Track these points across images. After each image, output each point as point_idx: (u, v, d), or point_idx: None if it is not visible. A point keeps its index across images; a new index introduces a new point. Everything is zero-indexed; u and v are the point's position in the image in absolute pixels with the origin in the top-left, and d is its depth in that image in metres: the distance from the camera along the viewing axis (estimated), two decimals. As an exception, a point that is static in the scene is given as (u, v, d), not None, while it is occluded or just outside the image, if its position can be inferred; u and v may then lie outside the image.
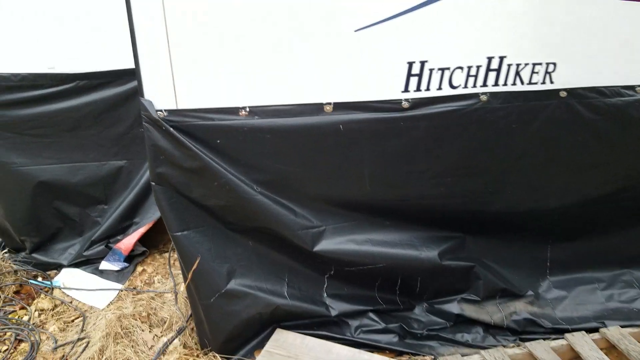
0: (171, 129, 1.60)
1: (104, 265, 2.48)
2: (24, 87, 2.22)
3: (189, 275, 1.75)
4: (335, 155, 1.76)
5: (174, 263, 2.53)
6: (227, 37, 1.56)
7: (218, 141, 1.66)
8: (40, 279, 2.62)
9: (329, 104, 1.68)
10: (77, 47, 2.25)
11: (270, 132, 1.68)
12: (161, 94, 1.59)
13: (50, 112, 2.31)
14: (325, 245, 1.85)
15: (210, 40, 1.56)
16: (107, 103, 2.34)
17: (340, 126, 1.70)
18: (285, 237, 1.81)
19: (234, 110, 1.65)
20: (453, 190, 1.89)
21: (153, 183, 1.69)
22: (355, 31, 1.62)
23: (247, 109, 1.65)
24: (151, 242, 2.66)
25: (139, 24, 1.51)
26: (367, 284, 1.98)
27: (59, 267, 2.59)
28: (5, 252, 2.76)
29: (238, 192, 1.70)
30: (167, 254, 2.61)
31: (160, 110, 1.60)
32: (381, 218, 1.92)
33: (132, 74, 2.18)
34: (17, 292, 2.58)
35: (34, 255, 2.57)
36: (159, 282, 2.43)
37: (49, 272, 2.62)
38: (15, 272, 2.67)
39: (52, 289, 2.51)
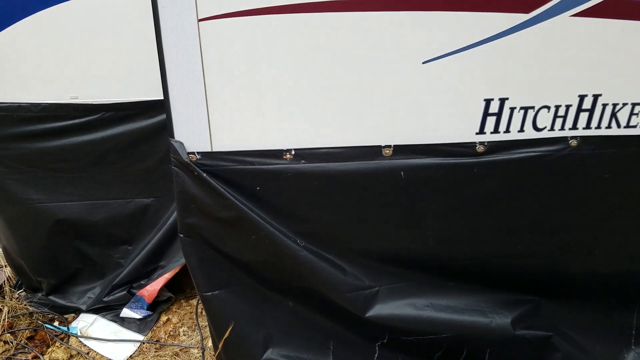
0: (204, 174, 1.37)
1: (126, 312, 2.26)
2: (44, 118, 2.05)
3: (220, 345, 1.50)
4: (393, 206, 1.49)
5: (201, 312, 2.28)
6: (270, 71, 1.33)
7: (258, 188, 1.42)
8: (57, 323, 2.41)
9: (389, 146, 1.42)
10: (103, 76, 2.08)
11: (318, 179, 1.43)
12: (194, 135, 1.36)
13: (72, 145, 2.13)
14: (379, 310, 1.56)
15: (252, 75, 1.33)
16: (133, 136, 2.15)
17: (402, 173, 1.44)
18: (332, 299, 1.54)
19: (277, 154, 1.41)
20: (532, 249, 1.59)
21: (181, 235, 1.45)
22: (424, 63, 1.37)
23: (293, 152, 1.41)
24: (177, 286, 2.43)
25: (170, 57, 1.29)
26: (425, 355, 1.68)
27: (77, 311, 2.38)
28: (22, 291, 2.58)
29: (279, 247, 1.45)
30: (194, 301, 2.37)
31: (192, 153, 1.37)
32: (444, 279, 1.63)
33: (162, 106, 2.01)
34: (30, 338, 2.38)
35: (51, 297, 2.38)
36: (184, 335, 2.19)
37: (66, 316, 2.41)
38: (31, 314, 2.48)
39: (69, 336, 2.29)
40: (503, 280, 1.66)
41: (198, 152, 1.37)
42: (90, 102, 2.10)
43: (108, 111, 2.11)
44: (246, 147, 1.39)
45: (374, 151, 1.43)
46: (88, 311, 2.33)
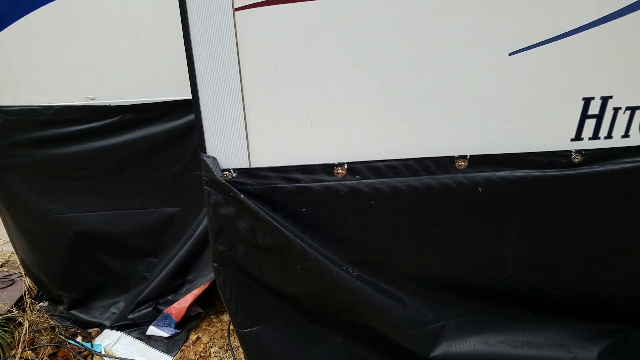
0: (241, 195, 1.14)
1: (152, 330, 2.08)
2: (58, 121, 1.84)
3: (260, 390, 1.30)
4: (467, 228, 1.24)
5: (233, 331, 2.09)
6: (319, 69, 1.09)
7: (304, 210, 1.19)
8: (79, 338, 2.26)
9: (464, 157, 1.17)
10: (121, 74, 1.86)
11: (375, 197, 1.19)
12: (229, 149, 1.13)
13: (90, 150, 1.92)
14: (446, 348, 1.33)
15: (297, 75, 1.10)
16: (157, 140, 1.93)
17: (479, 189, 1.19)
18: (390, 336, 1.32)
19: (326, 169, 1.17)
20: (632, 275, 1.33)
21: (215, 264, 1.23)
22: (510, 54, 1.10)
23: (345, 166, 1.17)
24: (206, 299, 2.24)
25: (201, 55, 1.06)
26: (499, 397, 1.45)
27: (100, 325, 2.23)
28: (44, 303, 2.44)
29: (329, 277, 1.22)
30: (225, 317, 2.18)
31: (228, 170, 1.15)
32: (521, 309, 1.38)
33: (188, 106, 1.78)
34: (52, 355, 2.23)
35: (73, 312, 2.22)
36: (215, 356, 2.00)
37: (90, 330, 2.26)
38: (53, 328, 2.33)
39: (92, 355, 2.13)
40: (590, 309, 1.41)
41: (234, 169, 1.14)
42: (108, 104, 1.90)
43: (128, 113, 1.90)
44: (290, 162, 1.16)
45: (446, 163, 1.17)
46: (112, 327, 2.17)
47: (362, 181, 1.18)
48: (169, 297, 2.10)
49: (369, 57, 1.09)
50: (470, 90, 1.13)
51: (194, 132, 1.15)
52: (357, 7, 1.06)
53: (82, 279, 2.15)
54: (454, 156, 1.17)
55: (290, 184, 1.17)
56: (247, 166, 1.15)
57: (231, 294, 1.26)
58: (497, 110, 1.16)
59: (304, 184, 1.17)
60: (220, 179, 1.12)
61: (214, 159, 1.13)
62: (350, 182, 1.18)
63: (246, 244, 1.19)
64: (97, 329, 2.27)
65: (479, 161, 1.18)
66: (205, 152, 1.13)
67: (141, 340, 2.11)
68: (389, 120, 1.15)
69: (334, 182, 1.18)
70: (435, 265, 1.29)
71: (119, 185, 2.00)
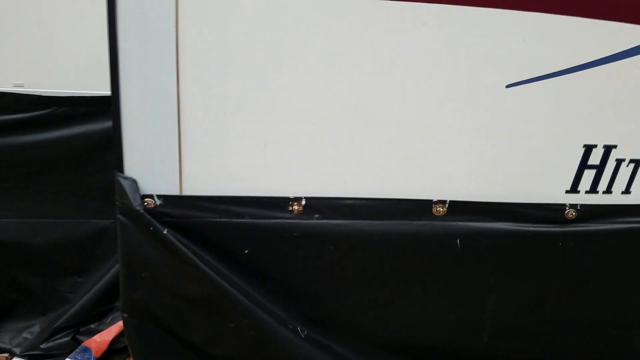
0: (164, 229, 0.90)
1: (68, 364, 1.79)
2: (-26, 108, 1.56)
3: None
4: (440, 285, 1.04)
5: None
6: (280, 75, 0.88)
7: (246, 252, 0.97)
8: (-17, 365, 1.93)
9: (443, 202, 0.97)
10: (57, 60, 1.60)
11: (336, 242, 0.97)
12: (154, 170, 0.89)
13: (13, 146, 1.63)
14: None
15: (252, 80, 0.88)
16: (93, 140, 1.65)
17: (458, 240, 0.99)
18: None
19: (279, 203, 0.94)
20: (628, 347, 1.16)
21: (125, 315, 0.98)
22: (508, 87, 0.92)
23: (303, 202, 0.95)
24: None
25: (127, 42, 0.83)
26: None
27: (9, 352, 1.91)
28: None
29: (272, 339, 0.98)
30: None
31: (150, 197, 0.90)
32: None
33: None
34: (-54, 384, 1.90)
35: (-23, 334, 1.90)
36: (139, 398, 1.72)
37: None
38: (-49, 350, 1.99)
39: (-6, 387, 1.81)
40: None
41: (159, 196, 0.90)
42: (38, 93, 1.62)
43: (62, 106, 1.62)
44: (234, 192, 0.93)
45: (422, 208, 0.97)
46: (22, 356, 1.85)
47: (322, 221, 0.96)
48: (92, 326, 1.79)
49: (345, 69, 0.89)
50: (457, 125, 0.94)
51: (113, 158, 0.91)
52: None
53: (-11, 295, 1.84)
54: (432, 200, 0.97)
55: (231, 219, 0.93)
56: (177, 193, 0.91)
57: (143, 353, 1.00)
58: (485, 151, 0.97)
59: (249, 220, 0.94)
60: (138, 207, 0.88)
61: (133, 181, 0.89)
62: (307, 221, 0.95)
63: (167, 293, 0.94)
64: (5, 355, 1.95)
65: (459, 208, 0.98)
66: (122, 170, 0.89)
67: (55, 374, 1.80)
68: (359, 150, 0.94)
69: (288, 221, 0.95)
70: (400, 327, 1.07)
71: (42, 189, 1.71)
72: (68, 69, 1.60)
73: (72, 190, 1.73)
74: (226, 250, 0.94)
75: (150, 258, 0.92)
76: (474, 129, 0.94)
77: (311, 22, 0.86)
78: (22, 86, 1.63)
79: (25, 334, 1.89)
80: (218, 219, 0.93)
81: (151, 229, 0.89)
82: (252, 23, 0.84)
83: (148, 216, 0.88)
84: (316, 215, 0.95)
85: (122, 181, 0.88)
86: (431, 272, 1.02)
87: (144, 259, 0.92)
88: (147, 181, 0.90)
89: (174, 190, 0.91)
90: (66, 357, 1.80)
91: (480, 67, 0.90)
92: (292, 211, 0.94)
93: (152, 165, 0.89)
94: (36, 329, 1.89)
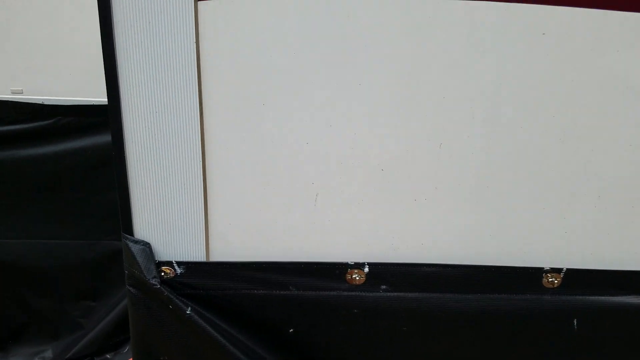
0: (189, 309, 0.69)
1: (81, 397, 1.63)
2: (-32, 120, 1.37)
3: None
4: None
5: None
6: (344, 95, 0.65)
7: (291, 331, 0.75)
8: (-6, 388, 1.79)
9: (558, 271, 0.72)
10: (62, 63, 1.38)
11: (411, 321, 0.72)
12: (174, 230, 0.68)
13: (14, 160, 1.45)
14: None
15: (304, 112, 0.65)
16: (102, 153, 1.46)
17: (575, 321, 0.75)
18: None
19: (334, 271, 0.70)
20: None
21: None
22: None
23: (366, 269, 0.70)
24: None
25: (129, 61, 0.61)
26: None
27: (21, 378, 1.77)
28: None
29: None
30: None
31: (169, 265, 0.70)
32: None
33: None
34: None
35: (-12, 356, 1.76)
36: None
37: (10, 380, 1.79)
38: (-38, 372, 1.86)
39: (5, 417, 1.67)
40: None
41: (180, 263, 0.69)
42: (41, 101, 1.42)
43: (67, 115, 1.43)
44: (276, 257, 0.71)
45: (529, 278, 0.72)
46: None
47: (391, 294, 0.73)
48: (107, 356, 1.63)
49: (416, 96, 0.65)
50: (583, 166, 0.69)
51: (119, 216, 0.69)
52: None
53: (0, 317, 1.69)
54: (543, 268, 0.74)
55: (272, 291, 0.71)
56: (203, 259, 0.70)
57: None
58: (623, 200, 0.72)
59: (295, 292, 0.72)
60: (154, 281, 0.67)
61: (146, 245, 0.68)
62: (371, 294, 0.73)
63: None
64: (18, 379, 1.81)
65: (578, 278, 0.74)
66: (131, 233, 0.68)
67: (69, 406, 1.65)
68: (443, 202, 0.70)
69: (345, 293, 0.73)
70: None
71: (50, 207, 1.53)
72: (73, 74, 1.39)
73: (81, 208, 1.54)
74: (266, 329, 0.73)
75: (171, 341, 0.71)
76: (609, 171, 0.69)
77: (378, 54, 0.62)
78: (20, 92, 1.43)
79: (38, 359, 1.75)
80: (256, 291, 0.71)
81: (171, 307, 0.68)
82: (299, 52, 0.61)
83: (166, 292, 0.67)
84: (383, 287, 0.73)
85: (132, 246, 0.67)
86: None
87: (163, 341, 0.71)
88: (164, 244, 0.68)
89: (199, 256, 0.69)
90: (81, 390, 1.65)
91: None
92: (351, 281, 0.72)
93: (170, 225, 0.67)
94: (49, 354, 1.74)
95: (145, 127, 0.64)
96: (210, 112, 0.63)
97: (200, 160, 0.65)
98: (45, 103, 1.41)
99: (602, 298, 0.74)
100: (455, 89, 0.65)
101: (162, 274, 0.67)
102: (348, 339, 0.74)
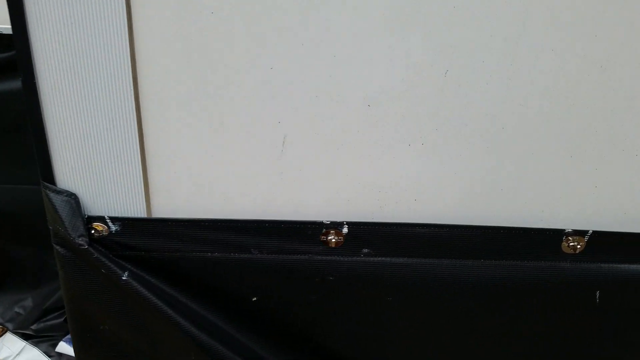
0: (125, 274, 0.57)
1: (62, 347, 1.58)
2: None
3: None
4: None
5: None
6: None
7: (254, 300, 0.63)
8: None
9: (582, 234, 0.59)
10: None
11: (397, 291, 0.61)
12: (105, 178, 0.56)
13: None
14: None
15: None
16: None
17: (597, 293, 0.63)
18: None
19: (306, 231, 0.57)
20: None
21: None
22: None
23: (344, 230, 0.59)
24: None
25: None
26: None
27: (3, 326, 1.72)
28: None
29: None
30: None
31: (101, 220, 0.57)
32: None
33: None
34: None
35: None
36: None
37: (-7, 325, 1.75)
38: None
39: (-12, 363, 1.64)
40: None
41: (114, 219, 0.57)
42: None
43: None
44: (235, 214, 0.58)
45: (545, 241, 0.59)
46: (15, 333, 1.66)
47: (374, 259, 0.61)
48: (88, 306, 1.58)
49: (416, 5, 0.49)
50: (628, 102, 0.54)
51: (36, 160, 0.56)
52: None
53: (-24, 266, 1.61)
54: (563, 230, 0.60)
55: (231, 254, 0.59)
56: (144, 214, 0.57)
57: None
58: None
59: (258, 256, 0.60)
60: (80, 241, 0.55)
61: (71, 197, 0.55)
62: (350, 258, 0.61)
63: (139, 355, 0.64)
64: (1, 327, 1.77)
65: (606, 243, 0.61)
66: (52, 181, 0.55)
67: (50, 357, 1.61)
68: (442, 147, 0.56)
69: (319, 257, 0.61)
70: None
71: (19, 149, 1.40)
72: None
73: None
74: (223, 297, 0.62)
75: (109, 309, 0.60)
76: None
77: None
78: None
79: (17, 309, 1.68)
80: (210, 254, 0.59)
81: (103, 271, 0.56)
82: None
83: (96, 253, 0.55)
84: (365, 251, 0.60)
85: (53, 198, 0.54)
86: (554, 338, 0.67)
87: (100, 309, 0.61)
88: (94, 195, 0.55)
89: (138, 211, 0.57)
90: (61, 339, 1.60)
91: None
92: (326, 243, 0.59)
93: (101, 170, 0.54)
94: (28, 303, 1.68)
95: (58, 41, 0.49)
96: (142, 20, 0.48)
97: (132, 88, 0.50)
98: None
99: (633, 267, 0.61)
100: (466, -2, 0.49)
101: (93, 231, 0.55)
102: (321, 310, 0.63)
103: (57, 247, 0.57)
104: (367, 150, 0.55)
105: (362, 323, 0.63)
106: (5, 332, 1.73)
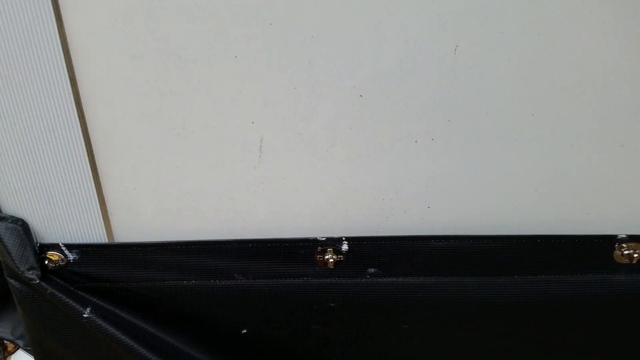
0: (87, 311, 0.48)
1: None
2: None
3: None
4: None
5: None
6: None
7: (244, 332, 0.54)
8: None
9: (637, 240, 0.49)
10: None
11: (412, 317, 0.52)
12: (55, 202, 0.48)
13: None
14: None
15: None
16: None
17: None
18: None
19: (298, 250, 0.48)
20: None
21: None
22: None
23: (344, 247, 0.49)
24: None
25: None
26: None
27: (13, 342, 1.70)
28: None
29: None
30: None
31: (57, 250, 0.49)
32: None
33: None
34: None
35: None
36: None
37: (7, 343, 1.73)
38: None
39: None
40: None
41: (70, 247, 0.49)
42: None
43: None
44: (214, 234, 0.50)
45: (594, 250, 0.48)
46: (27, 350, 1.63)
47: (383, 280, 0.51)
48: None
49: None
50: None
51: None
52: None
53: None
54: (616, 237, 0.49)
55: (211, 281, 0.51)
56: (104, 240, 0.49)
57: None
58: None
59: (245, 282, 0.51)
60: (30, 275, 0.47)
61: (18, 223, 0.47)
62: (354, 280, 0.51)
63: None
64: (13, 345, 1.74)
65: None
66: (-7, 207, 0.47)
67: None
68: (457, 143, 0.46)
69: (317, 280, 0.51)
70: None
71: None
72: None
73: None
74: (208, 331, 0.53)
75: (72, 345, 0.52)
76: None
77: None
78: None
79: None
80: (186, 282, 0.50)
81: (61, 308, 0.48)
82: None
83: (51, 288, 0.47)
84: (371, 271, 0.50)
85: (-3, 225, 0.47)
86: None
87: (65, 348, 0.53)
88: (46, 220, 0.47)
89: (97, 235, 0.48)
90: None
91: None
92: (322, 263, 0.50)
93: (50, 191, 0.46)
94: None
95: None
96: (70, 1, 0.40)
97: (70, 90, 0.42)
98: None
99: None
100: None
101: (47, 261, 0.47)
102: (323, 342, 0.53)
103: (11, 281, 0.49)
104: (364, 149, 0.45)
105: (374, 357, 0.53)
106: (17, 349, 1.70)
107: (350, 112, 0.43)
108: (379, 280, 0.50)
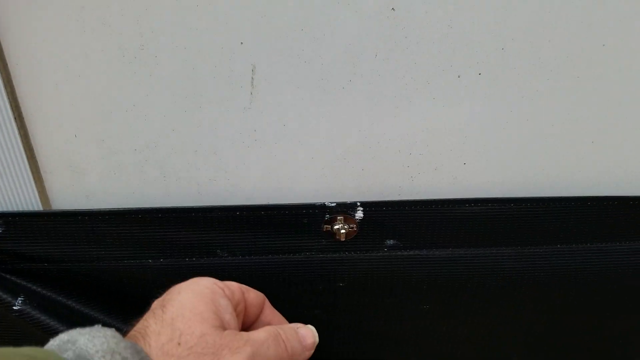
0: (18, 302, 0.36)
1: None
2: None
3: None
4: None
5: None
6: None
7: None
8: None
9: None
10: None
11: (437, 297, 0.43)
12: None
13: None
14: None
15: None
16: None
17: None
18: None
19: (301, 217, 0.38)
20: None
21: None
22: None
23: (358, 214, 0.39)
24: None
25: None
26: None
27: None
28: None
29: None
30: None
31: None
32: None
33: None
34: None
35: None
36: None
37: None
38: None
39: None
40: None
41: None
42: None
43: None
44: (194, 201, 0.38)
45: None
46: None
47: (405, 253, 0.42)
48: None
49: None
50: None
51: None
52: None
53: None
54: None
55: (186, 259, 0.40)
56: (39, 207, 0.37)
57: None
58: None
59: (231, 259, 0.40)
60: None
61: None
62: (369, 254, 0.41)
63: None
64: None
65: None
66: None
67: None
68: (504, 81, 0.36)
69: (324, 255, 0.41)
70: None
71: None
72: None
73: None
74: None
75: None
76: None
77: None
78: None
79: None
80: (151, 260, 0.38)
81: (-17, 297, 0.36)
82: None
83: (-36, 271, 0.35)
84: (389, 242, 0.40)
85: None
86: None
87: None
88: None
89: (27, 200, 0.36)
90: None
91: None
92: (332, 235, 0.39)
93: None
94: None
95: None
96: None
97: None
98: None
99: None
100: None
101: (-41, 236, 0.35)
102: (329, 331, 0.44)
103: None
104: (390, 87, 0.34)
105: (389, 345, 0.45)
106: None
107: (377, 32, 0.32)
108: (399, 253, 0.40)
